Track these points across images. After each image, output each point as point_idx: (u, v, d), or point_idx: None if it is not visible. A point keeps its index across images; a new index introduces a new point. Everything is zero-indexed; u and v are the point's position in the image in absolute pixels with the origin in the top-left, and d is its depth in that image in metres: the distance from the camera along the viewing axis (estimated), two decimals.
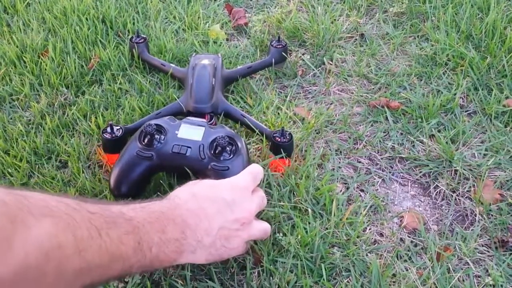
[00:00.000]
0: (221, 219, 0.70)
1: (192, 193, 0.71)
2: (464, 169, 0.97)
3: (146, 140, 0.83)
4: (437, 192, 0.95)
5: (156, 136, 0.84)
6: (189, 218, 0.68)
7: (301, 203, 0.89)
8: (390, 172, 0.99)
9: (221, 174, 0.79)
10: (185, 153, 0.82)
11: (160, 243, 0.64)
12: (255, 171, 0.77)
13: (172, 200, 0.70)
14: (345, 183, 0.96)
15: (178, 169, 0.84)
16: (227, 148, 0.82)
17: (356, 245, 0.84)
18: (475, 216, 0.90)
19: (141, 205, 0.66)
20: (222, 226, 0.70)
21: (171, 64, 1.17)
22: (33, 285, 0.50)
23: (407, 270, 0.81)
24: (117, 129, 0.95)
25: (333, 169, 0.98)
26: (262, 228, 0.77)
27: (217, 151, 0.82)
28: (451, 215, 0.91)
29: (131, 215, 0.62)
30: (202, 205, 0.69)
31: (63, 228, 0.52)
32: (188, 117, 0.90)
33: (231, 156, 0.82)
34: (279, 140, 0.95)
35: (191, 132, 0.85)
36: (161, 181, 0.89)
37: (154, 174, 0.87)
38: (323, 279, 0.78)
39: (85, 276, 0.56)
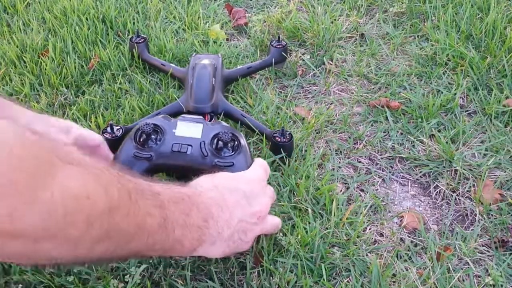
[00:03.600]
0: (240, 212, 0.68)
1: (213, 183, 0.69)
2: (464, 169, 0.97)
3: (143, 141, 0.81)
4: (437, 192, 0.95)
5: (153, 136, 0.81)
6: (212, 206, 0.66)
7: (301, 203, 0.89)
8: (390, 172, 0.99)
9: (226, 170, 0.77)
10: (186, 151, 0.80)
11: (184, 226, 0.61)
12: (264, 164, 0.78)
13: (194, 187, 0.67)
14: (345, 183, 0.96)
15: (180, 168, 0.82)
16: (229, 144, 0.81)
17: (356, 245, 0.84)
18: (475, 216, 0.90)
19: (167, 185, 0.62)
20: (241, 219, 0.69)
21: (171, 64, 1.17)
22: (59, 233, 0.45)
23: (407, 270, 0.81)
24: (117, 129, 0.95)
25: (333, 169, 0.98)
26: (274, 223, 0.77)
27: (218, 147, 0.81)
28: (451, 215, 0.91)
29: (158, 190, 0.59)
30: (223, 196, 0.68)
31: (93, 179, 0.48)
32: (183, 115, 0.87)
33: (233, 151, 0.81)
34: (279, 140, 0.95)
35: (189, 129, 0.82)
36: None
37: (153, 174, 0.86)
38: (323, 279, 0.78)
39: (109, 241, 0.51)
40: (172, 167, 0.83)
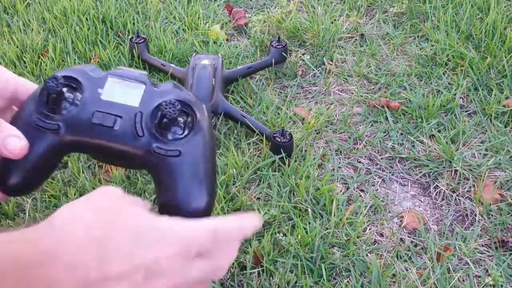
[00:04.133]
0: None
1: (90, 235, 0.38)
2: (464, 169, 0.97)
3: (49, 103, 0.52)
4: (437, 192, 0.95)
5: (67, 95, 0.52)
6: None
7: (301, 203, 0.89)
8: (390, 172, 0.99)
9: (167, 164, 0.50)
10: (112, 125, 0.50)
11: None
12: (245, 224, 0.44)
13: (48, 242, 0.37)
14: (345, 183, 0.96)
15: (101, 150, 0.52)
16: (180, 120, 0.51)
17: (356, 245, 0.84)
18: (475, 216, 0.90)
19: None
20: None
21: (171, 64, 1.17)
22: None
23: (407, 270, 0.81)
24: None
25: (333, 169, 0.98)
26: None
27: (163, 125, 0.50)
28: (451, 215, 0.91)
29: None
30: (101, 268, 0.37)
31: None
32: (119, 67, 0.56)
33: (186, 133, 0.51)
34: (279, 140, 0.95)
35: (123, 92, 0.53)
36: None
37: (62, 156, 0.56)
38: (323, 279, 0.78)
39: None
40: (91, 148, 0.53)
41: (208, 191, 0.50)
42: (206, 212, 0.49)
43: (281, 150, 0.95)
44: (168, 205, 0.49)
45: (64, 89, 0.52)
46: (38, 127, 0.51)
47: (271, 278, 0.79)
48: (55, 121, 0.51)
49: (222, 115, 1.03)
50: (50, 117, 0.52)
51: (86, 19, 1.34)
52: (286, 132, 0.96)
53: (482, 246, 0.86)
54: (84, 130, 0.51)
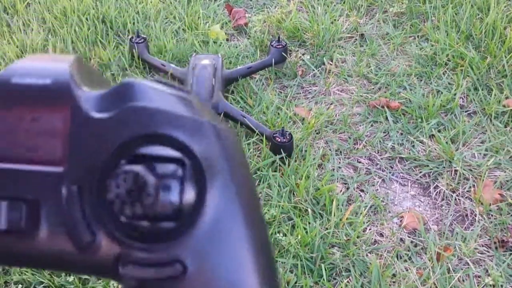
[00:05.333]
0: None
1: None
2: (464, 169, 0.97)
3: None
4: (437, 192, 0.95)
5: None
6: None
7: (301, 203, 0.89)
8: (390, 172, 0.99)
9: None
10: (23, 227, 0.18)
11: None
12: None
13: None
14: (345, 183, 0.96)
15: (30, 262, 0.20)
16: (168, 184, 0.17)
17: (356, 245, 0.84)
18: (475, 216, 0.90)
19: None
20: None
21: (171, 65, 1.17)
22: None
23: (407, 270, 0.81)
24: None
25: (333, 169, 0.98)
26: None
27: (131, 214, 0.17)
28: (451, 215, 0.91)
29: None
30: None
31: None
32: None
33: (187, 207, 0.17)
34: (279, 140, 0.95)
35: (26, 137, 0.18)
36: None
37: None
38: (323, 279, 0.78)
39: None
40: (11, 260, 0.20)
41: None
42: None
43: (281, 150, 0.95)
44: None
45: None
46: None
47: None
48: None
49: (222, 115, 1.03)
50: None
51: (86, 19, 1.34)
52: (286, 132, 0.96)
53: (482, 246, 0.86)
54: None
